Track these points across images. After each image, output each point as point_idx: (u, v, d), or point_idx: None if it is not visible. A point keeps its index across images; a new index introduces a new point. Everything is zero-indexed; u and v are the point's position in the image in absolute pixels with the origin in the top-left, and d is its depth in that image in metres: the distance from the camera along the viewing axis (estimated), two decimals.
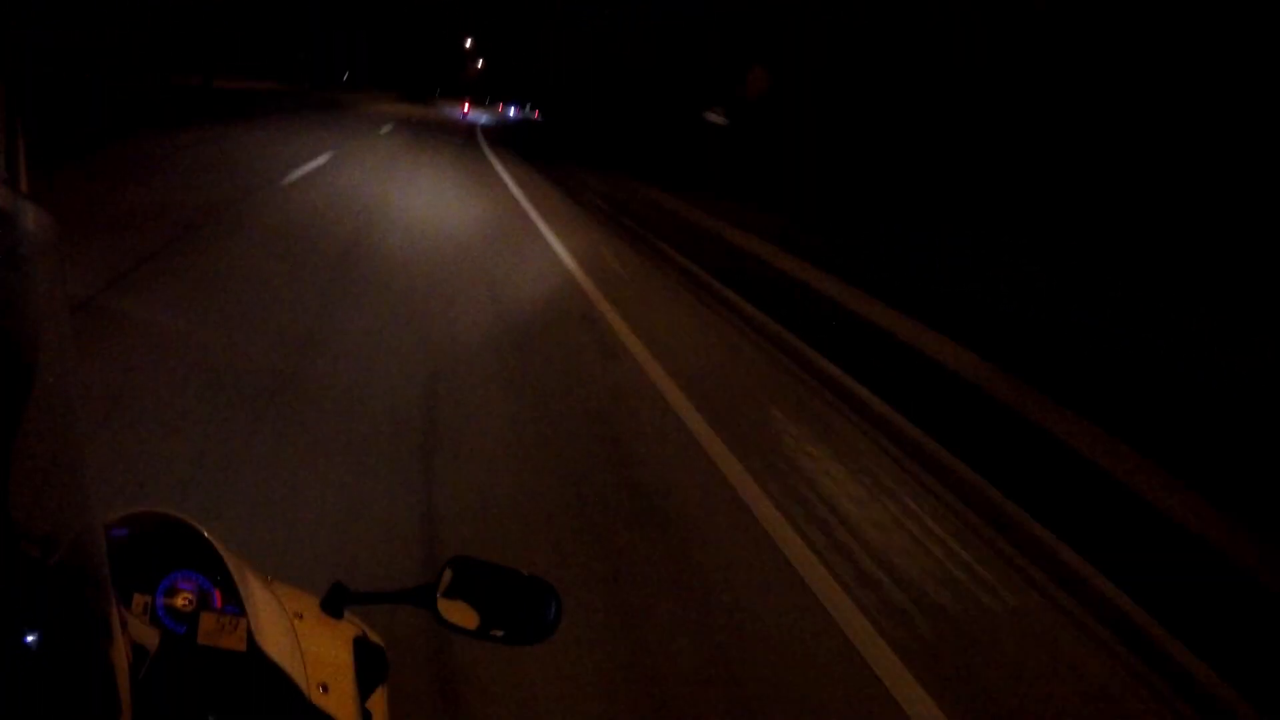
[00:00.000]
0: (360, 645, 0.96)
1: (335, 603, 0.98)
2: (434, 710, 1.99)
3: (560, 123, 33.96)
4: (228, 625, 0.82)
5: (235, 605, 0.84)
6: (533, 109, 61.45)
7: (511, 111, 63.51)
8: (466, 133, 25.57)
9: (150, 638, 0.73)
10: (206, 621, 0.82)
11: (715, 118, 17.31)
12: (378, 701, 0.97)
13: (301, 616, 0.93)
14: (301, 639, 0.88)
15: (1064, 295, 7.96)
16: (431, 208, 9.46)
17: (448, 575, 0.98)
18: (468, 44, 70.27)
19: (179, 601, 0.85)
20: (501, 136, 27.22)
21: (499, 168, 15.40)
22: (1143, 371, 6.23)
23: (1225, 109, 7.50)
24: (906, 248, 10.34)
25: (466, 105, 45.36)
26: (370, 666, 0.96)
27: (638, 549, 2.87)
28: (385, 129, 19.25)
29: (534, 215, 10.08)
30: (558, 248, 8.16)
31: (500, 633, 0.99)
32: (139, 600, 0.83)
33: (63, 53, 12.32)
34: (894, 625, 2.70)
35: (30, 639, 0.40)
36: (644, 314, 6.14)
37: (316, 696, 0.83)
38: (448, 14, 64.91)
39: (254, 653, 0.80)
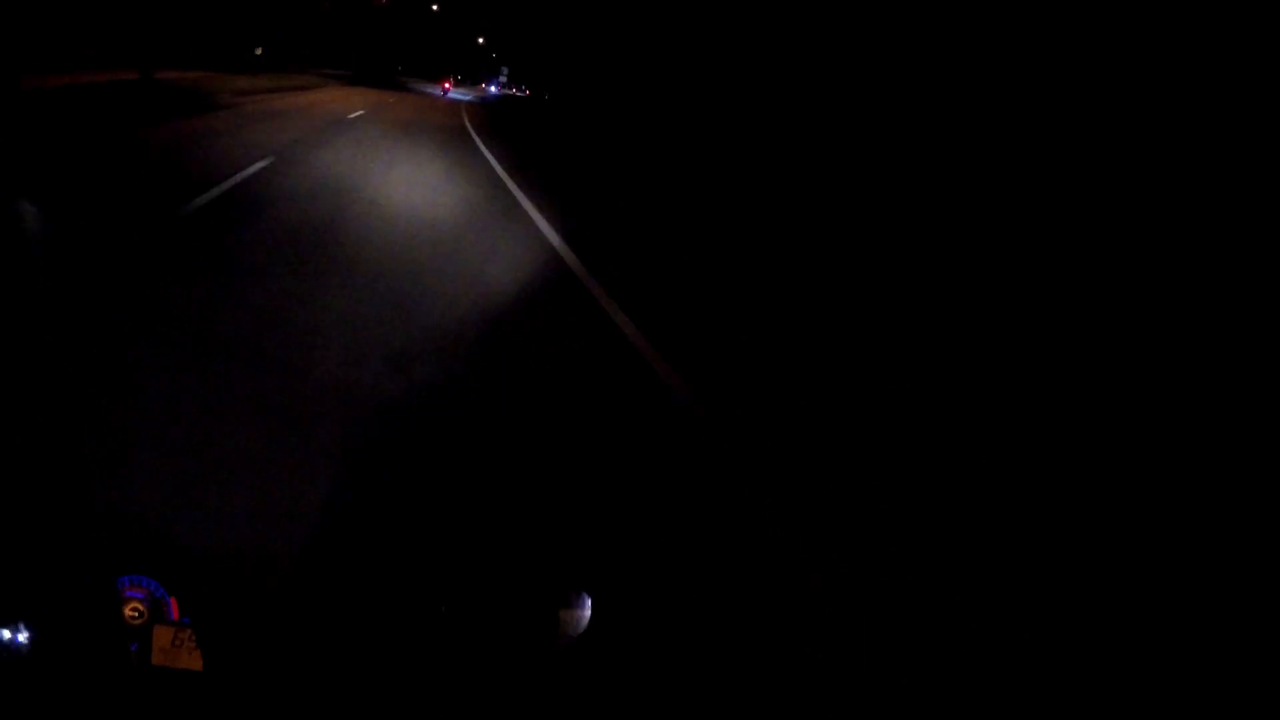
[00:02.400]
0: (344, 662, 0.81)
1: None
2: None
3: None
4: (187, 642, 0.69)
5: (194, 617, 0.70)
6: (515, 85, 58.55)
7: (493, 89, 60.04)
8: None
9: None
10: (161, 637, 0.70)
11: None
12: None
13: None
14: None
15: None
16: None
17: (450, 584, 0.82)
18: None
19: (127, 612, 0.71)
20: None
21: None
22: None
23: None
24: None
25: (448, 84, 42.33)
26: (360, 680, 0.80)
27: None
28: None
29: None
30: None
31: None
32: None
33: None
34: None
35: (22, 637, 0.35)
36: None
37: None
38: None
39: (213, 673, 0.66)
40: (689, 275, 6.56)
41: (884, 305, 6.45)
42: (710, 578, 2.23)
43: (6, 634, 0.43)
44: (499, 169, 11.39)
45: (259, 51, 29.94)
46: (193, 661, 0.68)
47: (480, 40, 69.94)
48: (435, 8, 62.32)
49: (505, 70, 59.97)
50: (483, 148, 14.12)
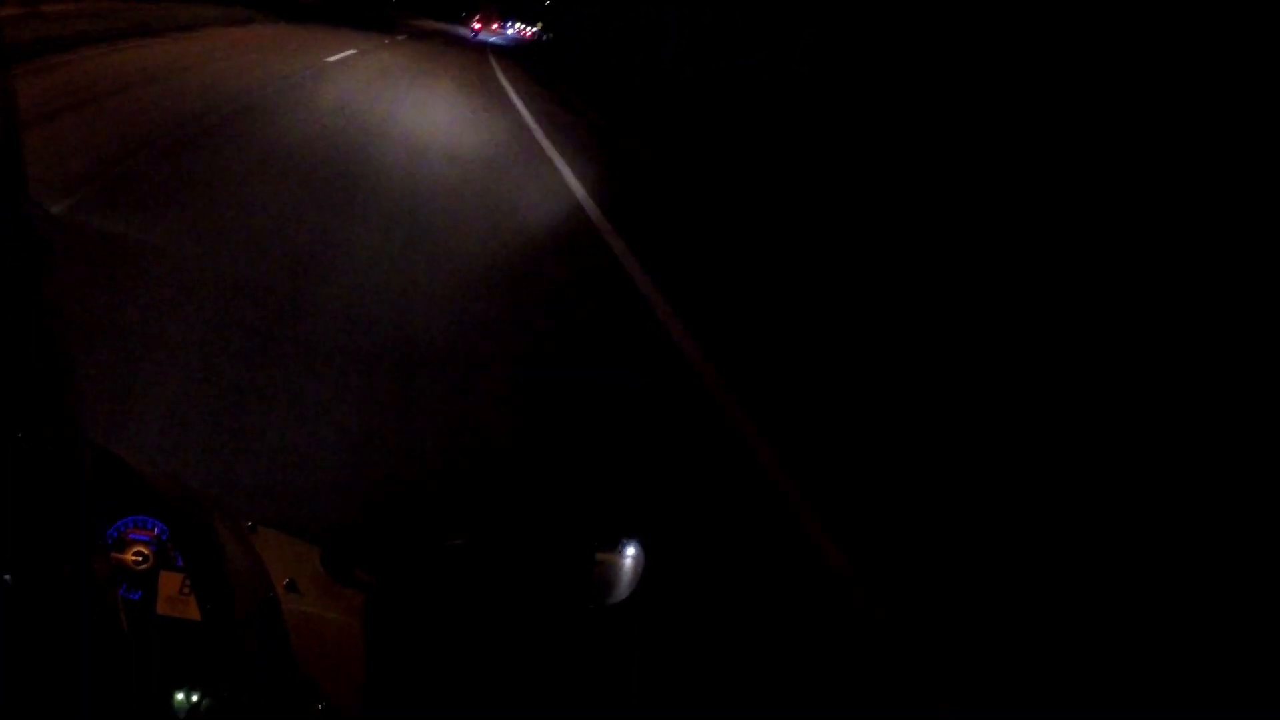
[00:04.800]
0: (373, 610, 0.78)
1: (340, 561, 0.79)
2: None
3: None
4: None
5: None
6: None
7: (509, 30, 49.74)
8: None
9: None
10: (168, 584, 0.65)
11: None
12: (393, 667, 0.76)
13: (294, 585, 0.74)
14: (292, 621, 0.68)
15: None
16: None
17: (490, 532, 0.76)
18: None
19: (130, 557, 0.66)
20: None
21: None
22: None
23: None
24: None
25: (477, 23, 40.06)
26: (386, 629, 0.77)
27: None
28: None
29: None
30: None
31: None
32: None
33: None
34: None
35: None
36: None
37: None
38: None
39: (211, 625, 0.61)
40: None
41: None
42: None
43: None
44: None
45: None
46: (195, 611, 0.62)
47: None
48: None
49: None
50: None
